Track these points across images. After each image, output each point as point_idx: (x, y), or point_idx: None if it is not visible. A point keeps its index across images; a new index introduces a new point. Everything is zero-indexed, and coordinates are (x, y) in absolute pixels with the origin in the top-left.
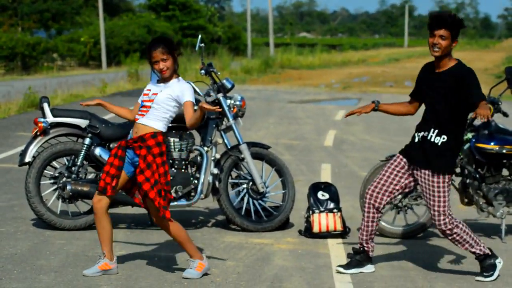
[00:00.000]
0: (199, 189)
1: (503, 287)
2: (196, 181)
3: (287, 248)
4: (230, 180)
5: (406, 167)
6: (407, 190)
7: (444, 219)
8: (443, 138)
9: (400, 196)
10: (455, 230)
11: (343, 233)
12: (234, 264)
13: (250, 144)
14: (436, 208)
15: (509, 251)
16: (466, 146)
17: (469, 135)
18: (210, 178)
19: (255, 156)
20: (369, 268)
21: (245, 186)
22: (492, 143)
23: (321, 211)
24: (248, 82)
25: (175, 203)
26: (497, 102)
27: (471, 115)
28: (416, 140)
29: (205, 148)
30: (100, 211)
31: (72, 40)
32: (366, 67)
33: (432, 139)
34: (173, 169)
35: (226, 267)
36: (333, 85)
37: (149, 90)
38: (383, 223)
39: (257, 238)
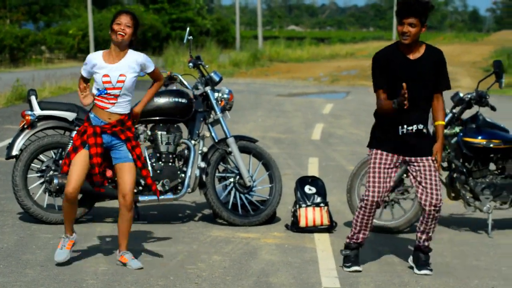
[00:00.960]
0: (186, 182)
1: (490, 282)
2: (183, 175)
3: (273, 242)
4: (217, 174)
5: (393, 162)
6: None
7: (441, 195)
8: (430, 126)
9: None
10: (439, 214)
11: (330, 228)
12: (220, 259)
13: (238, 138)
14: (438, 187)
15: (495, 246)
16: (454, 140)
17: (457, 129)
18: (197, 172)
19: (242, 149)
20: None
21: (232, 180)
22: (479, 137)
23: (308, 205)
24: (236, 75)
25: (162, 196)
26: (485, 96)
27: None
28: (405, 132)
29: (193, 142)
30: (75, 200)
31: (61, 33)
32: (354, 60)
33: (424, 130)
34: (160, 162)
35: (212, 262)
36: (322, 79)
37: (107, 75)
38: None
39: (243, 233)
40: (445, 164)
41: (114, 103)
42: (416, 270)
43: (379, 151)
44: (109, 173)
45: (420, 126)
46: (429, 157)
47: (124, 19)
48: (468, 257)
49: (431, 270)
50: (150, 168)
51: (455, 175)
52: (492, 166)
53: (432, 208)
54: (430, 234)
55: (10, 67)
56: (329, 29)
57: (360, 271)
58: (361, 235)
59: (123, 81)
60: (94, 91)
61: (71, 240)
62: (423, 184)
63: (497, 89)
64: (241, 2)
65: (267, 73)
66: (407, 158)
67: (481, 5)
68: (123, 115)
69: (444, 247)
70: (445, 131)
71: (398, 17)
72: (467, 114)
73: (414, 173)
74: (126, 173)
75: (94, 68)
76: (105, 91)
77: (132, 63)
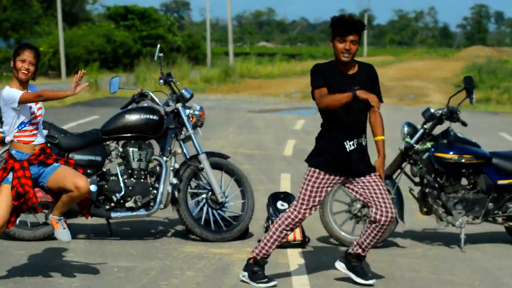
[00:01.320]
0: (158, 199)
1: None
2: (155, 191)
3: (246, 258)
4: (189, 190)
5: (333, 181)
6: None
7: (393, 208)
8: (365, 138)
9: (359, 206)
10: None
11: (303, 243)
12: (193, 274)
13: (209, 154)
14: (387, 201)
15: (468, 260)
16: (425, 155)
17: (428, 145)
18: (169, 188)
19: (214, 166)
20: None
21: (204, 196)
22: (451, 153)
23: None
24: (207, 91)
25: (135, 213)
26: (456, 112)
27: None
28: (351, 149)
29: (164, 158)
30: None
31: None
32: None
33: (363, 143)
34: (132, 179)
35: (185, 277)
36: (293, 95)
37: (31, 107)
38: (342, 233)
39: (216, 248)
40: (417, 179)
41: (36, 133)
42: (360, 280)
43: (317, 170)
44: (39, 194)
45: (360, 140)
46: (374, 173)
47: (28, 56)
48: (442, 272)
49: (372, 278)
50: (122, 184)
51: (427, 190)
52: (464, 181)
53: (388, 220)
54: (370, 246)
55: None
56: (300, 45)
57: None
58: (271, 250)
59: (41, 108)
60: (8, 130)
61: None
62: (376, 200)
63: (468, 104)
64: (211, 19)
65: (238, 90)
66: (350, 178)
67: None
68: (42, 144)
69: (418, 261)
70: (417, 146)
71: (338, 35)
72: (438, 130)
73: (360, 191)
74: (66, 171)
75: (15, 103)
76: (29, 122)
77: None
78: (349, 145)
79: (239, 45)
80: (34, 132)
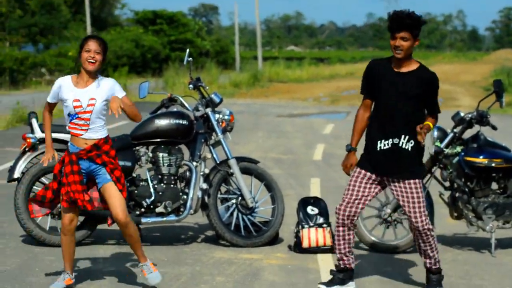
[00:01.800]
0: (188, 204)
1: None
2: (185, 197)
3: (276, 263)
4: (219, 195)
5: (372, 178)
6: (373, 197)
7: (426, 219)
8: (412, 143)
9: (389, 211)
10: (432, 232)
11: (333, 248)
12: (223, 280)
13: (239, 159)
14: (417, 210)
15: (498, 264)
16: (455, 159)
17: (458, 149)
18: (199, 193)
19: (244, 170)
20: (350, 285)
21: (234, 201)
22: (481, 157)
23: (310, 226)
24: (236, 96)
25: (165, 218)
26: (486, 116)
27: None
28: (383, 148)
29: (194, 163)
30: (71, 231)
31: (60, 55)
32: (354, 80)
33: (403, 146)
34: (162, 184)
35: (215, 283)
36: (321, 99)
37: (78, 100)
38: (372, 238)
39: (246, 254)
40: (447, 184)
41: (87, 129)
42: None
43: (358, 169)
44: (96, 203)
45: (396, 140)
46: (408, 181)
47: (93, 46)
48: (472, 277)
49: None
50: (152, 190)
51: (457, 194)
52: (494, 185)
53: (417, 232)
54: (430, 255)
55: (10, 90)
56: (329, 49)
57: None
58: (338, 253)
59: (93, 105)
60: (66, 117)
61: (69, 278)
62: (406, 209)
63: (498, 108)
64: (240, 23)
65: (267, 94)
66: (385, 178)
67: (480, 24)
68: (100, 139)
69: (448, 266)
70: (447, 150)
71: (390, 32)
72: (468, 134)
73: (396, 195)
74: (111, 194)
75: (63, 92)
76: (76, 115)
77: (101, 87)
78: (383, 145)
79: (267, 49)
80: (84, 127)
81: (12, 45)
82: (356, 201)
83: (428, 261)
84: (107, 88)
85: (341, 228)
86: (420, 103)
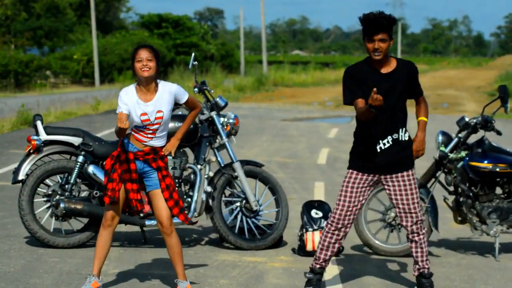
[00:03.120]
0: (192, 207)
1: None
2: (189, 199)
3: (280, 266)
4: (223, 198)
5: (368, 179)
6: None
7: (420, 210)
8: (407, 133)
9: (393, 214)
10: (424, 230)
11: (337, 252)
12: (227, 283)
13: (244, 162)
14: (415, 201)
15: (502, 269)
16: (460, 164)
17: (463, 153)
18: (203, 196)
19: (248, 174)
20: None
21: (238, 204)
22: (485, 162)
23: (314, 229)
24: (241, 100)
25: None
26: (491, 121)
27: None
28: (383, 148)
29: (199, 166)
30: (111, 229)
31: (65, 58)
32: None
33: (402, 138)
34: None
35: (219, 286)
36: (326, 103)
37: (145, 114)
38: (377, 242)
39: (250, 256)
40: (451, 188)
41: (152, 137)
42: None
43: (354, 173)
44: (147, 208)
45: (395, 136)
46: (405, 172)
47: (144, 54)
48: (476, 281)
49: None
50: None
51: (461, 199)
52: (498, 190)
53: (414, 226)
54: (423, 259)
55: (15, 92)
56: (334, 53)
57: None
58: (322, 256)
59: (161, 117)
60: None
61: (96, 281)
62: (400, 206)
63: (503, 113)
64: (245, 27)
65: (272, 98)
66: (382, 177)
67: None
68: (158, 147)
69: (452, 271)
70: (451, 155)
71: (367, 35)
72: (472, 139)
73: (393, 190)
74: (159, 200)
75: (129, 106)
76: (145, 127)
77: (166, 95)
78: (383, 144)
79: (272, 54)
80: (150, 135)
81: (17, 48)
82: (354, 208)
83: (420, 265)
84: (170, 94)
85: (336, 233)
86: (405, 95)
